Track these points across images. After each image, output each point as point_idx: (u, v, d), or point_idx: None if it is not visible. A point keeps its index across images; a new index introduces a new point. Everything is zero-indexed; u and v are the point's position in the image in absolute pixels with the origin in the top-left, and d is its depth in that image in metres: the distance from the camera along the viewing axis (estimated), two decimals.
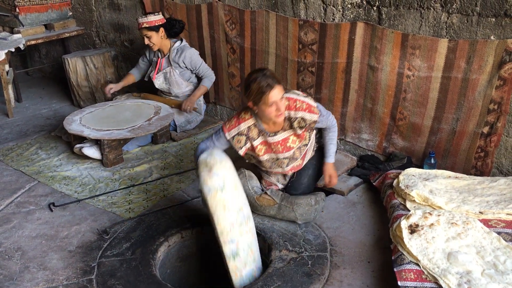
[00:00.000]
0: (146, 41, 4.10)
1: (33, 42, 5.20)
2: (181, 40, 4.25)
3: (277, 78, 2.69)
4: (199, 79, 4.30)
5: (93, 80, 5.04)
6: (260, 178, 3.16)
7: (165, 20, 4.12)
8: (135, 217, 3.02)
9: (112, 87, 4.33)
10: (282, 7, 3.71)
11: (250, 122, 2.86)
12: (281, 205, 2.89)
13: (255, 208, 2.94)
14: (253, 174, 3.09)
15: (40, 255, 2.70)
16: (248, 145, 2.91)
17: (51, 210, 3.13)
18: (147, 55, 4.40)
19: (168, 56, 4.22)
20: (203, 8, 4.22)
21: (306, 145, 3.03)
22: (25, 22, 5.23)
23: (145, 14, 4.21)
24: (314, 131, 3.10)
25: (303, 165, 3.11)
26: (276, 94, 2.63)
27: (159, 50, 4.26)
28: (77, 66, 4.97)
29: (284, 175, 3.14)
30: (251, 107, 2.76)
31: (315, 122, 2.87)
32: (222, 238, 2.46)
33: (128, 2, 4.92)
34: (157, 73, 4.27)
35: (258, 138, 2.90)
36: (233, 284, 2.49)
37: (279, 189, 3.09)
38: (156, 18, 4.06)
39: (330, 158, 3.07)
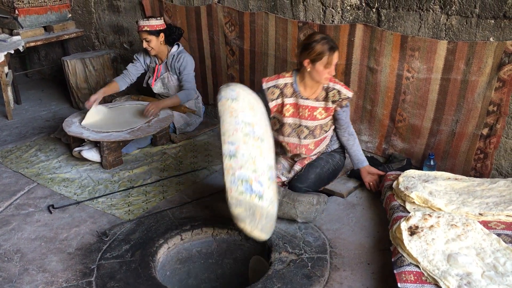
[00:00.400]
0: (145, 45, 4.06)
1: (32, 44, 5.20)
2: (178, 46, 4.23)
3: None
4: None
5: (93, 82, 5.04)
6: None
7: (165, 26, 4.11)
8: (134, 219, 3.02)
9: (95, 98, 4.02)
10: (281, 9, 3.72)
11: (288, 80, 3.09)
12: (283, 201, 2.88)
13: None
14: None
15: (40, 257, 2.69)
16: (280, 100, 3.11)
17: (50, 212, 3.13)
18: (142, 60, 4.32)
19: (166, 62, 4.21)
20: (202, 10, 4.23)
21: (326, 131, 3.22)
22: (24, 24, 5.23)
23: (147, 17, 4.17)
24: (332, 132, 3.27)
25: (312, 157, 3.21)
26: (336, 56, 2.92)
27: (156, 56, 4.22)
28: (76, 68, 4.97)
29: (290, 168, 3.21)
30: (305, 65, 2.94)
31: (347, 99, 3.08)
32: (223, 138, 2.51)
33: (128, 4, 4.92)
34: (155, 79, 4.27)
35: (290, 97, 3.10)
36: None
37: (282, 182, 3.15)
38: (158, 23, 4.04)
39: (366, 161, 3.25)
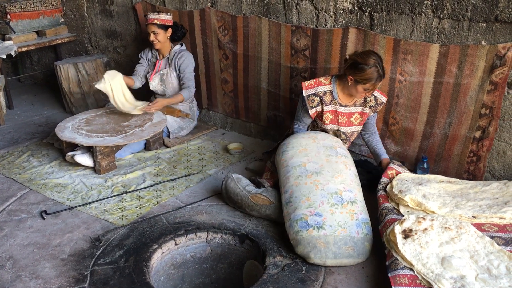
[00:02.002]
0: (152, 37, 4.11)
1: (24, 49, 5.18)
2: (182, 44, 4.30)
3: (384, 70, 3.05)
4: None
5: (85, 86, 5.02)
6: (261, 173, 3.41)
7: (173, 23, 4.18)
8: (128, 224, 3.00)
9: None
10: (274, 13, 3.72)
11: (328, 88, 3.21)
12: (278, 205, 2.89)
13: (251, 208, 2.96)
14: (240, 176, 3.18)
15: (32, 263, 2.67)
16: (319, 108, 3.24)
17: (43, 218, 3.11)
18: (144, 56, 4.39)
19: (168, 58, 4.24)
20: (196, 14, 4.23)
21: (359, 133, 3.39)
22: (16, 28, 5.21)
23: (157, 11, 4.24)
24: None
25: None
26: (379, 84, 3.06)
27: (158, 51, 4.28)
28: (69, 73, 4.95)
29: None
30: (348, 79, 3.07)
31: (382, 104, 3.25)
32: (280, 190, 2.97)
33: (120, 9, 4.91)
34: (154, 74, 4.28)
35: (329, 104, 3.23)
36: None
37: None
38: (168, 18, 4.12)
39: (386, 154, 3.35)
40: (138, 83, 4.36)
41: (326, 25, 3.48)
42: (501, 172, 3.11)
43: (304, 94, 3.22)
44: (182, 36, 4.31)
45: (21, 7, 5.22)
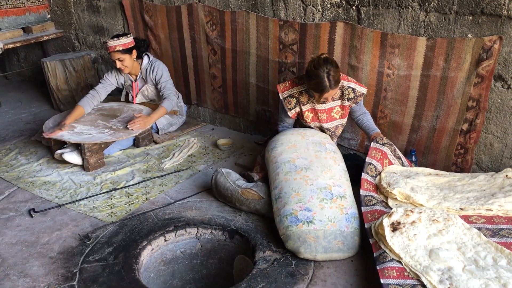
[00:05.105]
0: (119, 65, 3.91)
1: (11, 46, 5.12)
2: (148, 56, 4.13)
3: (337, 79, 2.99)
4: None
5: (73, 83, 4.98)
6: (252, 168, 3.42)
7: (134, 42, 3.99)
8: (117, 221, 2.99)
9: (66, 123, 3.76)
10: (262, 7, 3.71)
11: (303, 87, 3.20)
12: (267, 200, 2.90)
13: (241, 202, 2.96)
14: (230, 170, 3.20)
15: (21, 262, 2.65)
16: (298, 109, 3.25)
17: (31, 216, 3.08)
18: (113, 80, 4.16)
19: (141, 76, 4.14)
20: (183, 9, 4.20)
21: (344, 126, 3.38)
22: (2, 25, 5.15)
23: (116, 36, 3.90)
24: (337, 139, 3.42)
25: None
26: (327, 95, 3.04)
27: (129, 73, 4.12)
28: (56, 70, 4.91)
29: None
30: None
31: (362, 94, 3.21)
32: (270, 186, 2.97)
33: (108, 4, 4.87)
34: (136, 95, 4.23)
35: (307, 104, 3.24)
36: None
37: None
38: (129, 40, 3.89)
39: (376, 129, 3.31)
40: (88, 109, 4.00)
41: (313, 19, 3.48)
42: (488, 164, 3.14)
43: (280, 97, 3.24)
44: (146, 50, 4.14)
45: (6, 4, 5.16)
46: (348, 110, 3.28)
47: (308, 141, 3.12)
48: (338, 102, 3.24)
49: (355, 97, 3.21)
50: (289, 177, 2.86)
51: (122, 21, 4.81)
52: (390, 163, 3.09)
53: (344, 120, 3.32)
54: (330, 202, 2.69)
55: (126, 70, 4.00)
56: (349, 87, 3.18)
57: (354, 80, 3.21)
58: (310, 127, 3.32)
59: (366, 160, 3.02)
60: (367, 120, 3.34)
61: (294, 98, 3.22)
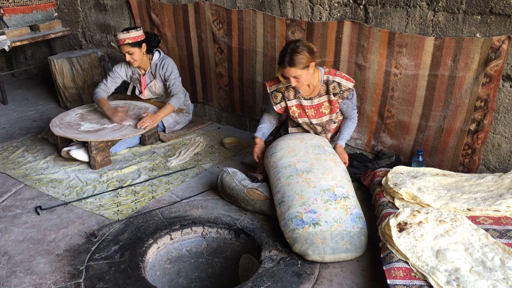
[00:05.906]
0: (128, 58, 3.94)
1: (18, 44, 5.14)
2: (159, 52, 4.16)
3: (298, 61, 2.90)
4: None
5: (80, 81, 5.00)
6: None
7: (145, 36, 4.02)
8: (123, 219, 3.00)
9: (122, 113, 3.92)
10: (269, 6, 3.70)
11: (288, 83, 3.11)
12: (273, 201, 2.90)
13: (246, 202, 2.96)
14: (236, 170, 3.20)
15: (27, 259, 2.66)
16: (283, 104, 3.27)
17: (38, 214, 3.10)
18: (123, 73, 4.18)
19: (150, 71, 4.15)
20: (190, 8, 4.20)
21: (335, 122, 3.36)
22: (9, 23, 5.17)
23: (126, 29, 3.95)
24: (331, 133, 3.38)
25: None
26: (288, 72, 2.95)
27: (138, 67, 4.14)
28: (63, 68, 4.92)
29: None
30: None
31: (349, 90, 3.15)
32: (272, 192, 2.94)
33: (114, 2, 4.88)
34: (144, 89, 4.23)
35: (293, 99, 3.24)
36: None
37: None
38: (139, 34, 3.92)
39: (341, 141, 3.32)
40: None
41: (321, 18, 3.47)
42: (496, 164, 3.12)
43: (268, 91, 3.28)
44: (156, 45, 4.17)
45: (14, 2, 5.19)
46: (337, 105, 3.23)
47: (307, 144, 3.13)
48: (325, 98, 3.22)
49: (341, 92, 3.15)
50: (291, 180, 2.85)
51: (129, 19, 4.82)
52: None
53: (334, 115, 3.28)
54: (334, 203, 2.68)
55: (136, 63, 4.03)
56: (334, 81, 3.14)
57: (342, 74, 3.16)
58: (298, 123, 3.33)
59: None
60: (344, 127, 3.34)
61: (280, 93, 3.25)
